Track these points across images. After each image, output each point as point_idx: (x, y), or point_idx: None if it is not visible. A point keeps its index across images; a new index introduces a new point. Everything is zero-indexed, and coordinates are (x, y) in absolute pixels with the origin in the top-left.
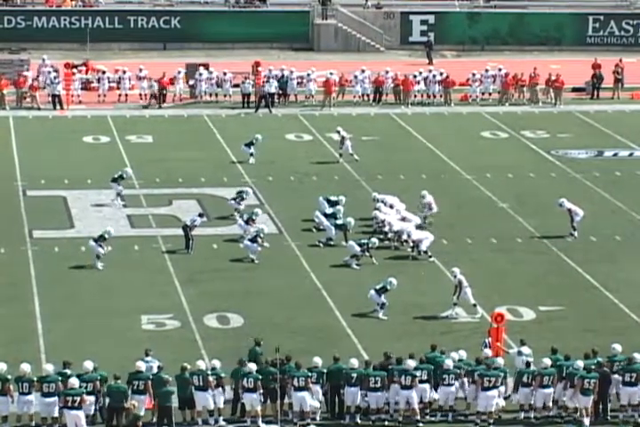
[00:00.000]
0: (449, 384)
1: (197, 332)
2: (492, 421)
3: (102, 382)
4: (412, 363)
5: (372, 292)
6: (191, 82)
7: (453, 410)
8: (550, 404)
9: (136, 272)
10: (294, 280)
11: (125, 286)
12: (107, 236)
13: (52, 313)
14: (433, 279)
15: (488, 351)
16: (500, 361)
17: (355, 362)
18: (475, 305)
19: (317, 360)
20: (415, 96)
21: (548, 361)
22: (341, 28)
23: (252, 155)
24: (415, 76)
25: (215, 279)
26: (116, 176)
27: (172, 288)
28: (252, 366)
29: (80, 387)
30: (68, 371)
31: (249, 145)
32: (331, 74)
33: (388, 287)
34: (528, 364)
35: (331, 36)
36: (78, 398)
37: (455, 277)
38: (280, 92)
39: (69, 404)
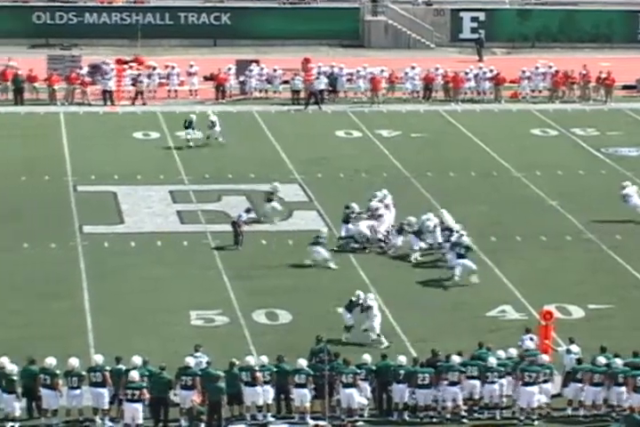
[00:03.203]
0: (492, 382)
1: (246, 328)
2: (535, 417)
3: (150, 377)
4: (457, 359)
5: (342, 309)
6: (241, 78)
7: (500, 408)
8: (600, 402)
9: (185, 268)
10: (343, 277)
11: (174, 281)
12: (321, 238)
13: (102, 308)
14: (481, 277)
15: (530, 344)
16: (545, 358)
17: (403, 359)
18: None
19: (366, 357)
20: (465, 93)
21: (602, 359)
22: (391, 24)
23: (191, 132)
24: (466, 73)
25: (264, 275)
26: (268, 192)
27: (220, 284)
28: (303, 362)
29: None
30: (122, 367)
31: (188, 127)
32: (382, 71)
33: (354, 299)
34: (579, 360)
35: (381, 32)
36: (138, 392)
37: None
38: (330, 88)
39: (129, 397)
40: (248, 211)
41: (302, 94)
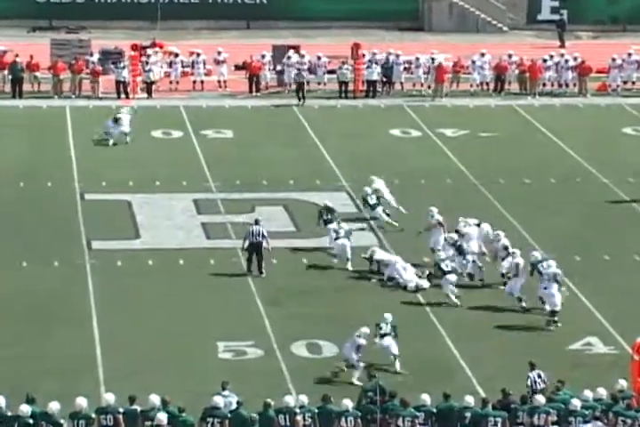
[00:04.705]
0: None
1: (283, 362)
2: None
3: (171, 420)
4: (541, 399)
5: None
6: (279, 67)
7: None
8: None
9: (212, 291)
10: (397, 302)
11: (199, 307)
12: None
13: (113, 338)
14: (563, 303)
15: (623, 382)
16: None
17: (470, 400)
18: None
19: (425, 398)
20: (544, 85)
21: None
22: (457, 3)
23: (126, 135)
24: (545, 61)
25: (304, 300)
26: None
27: (253, 310)
28: (348, 403)
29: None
30: (137, 407)
31: (116, 121)
32: (444, 59)
33: (383, 327)
34: None
35: (444, 13)
36: None
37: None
38: (384, 79)
39: None
40: (257, 222)
41: (351, 86)
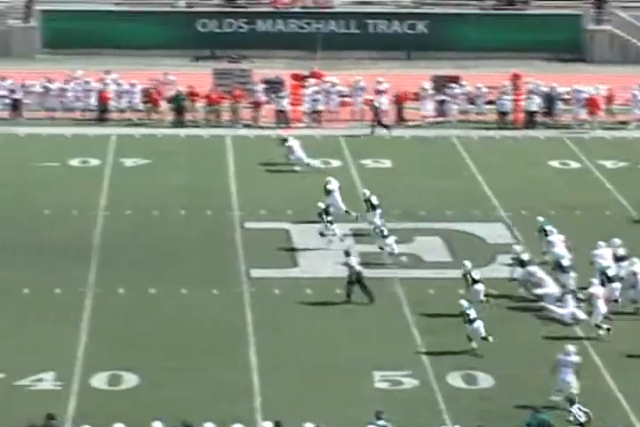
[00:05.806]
0: None
1: (439, 392)
2: None
3: None
4: None
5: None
6: (438, 97)
7: None
8: None
9: (368, 320)
10: (558, 333)
11: (355, 335)
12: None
13: (270, 366)
14: None
15: None
16: None
17: None
18: None
19: None
20: None
21: None
22: (618, 34)
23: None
24: None
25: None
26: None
27: (410, 340)
28: None
29: None
30: None
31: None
32: (598, 89)
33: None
34: None
35: (605, 44)
36: None
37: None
38: (545, 110)
39: None
40: (347, 254)
41: (511, 116)
